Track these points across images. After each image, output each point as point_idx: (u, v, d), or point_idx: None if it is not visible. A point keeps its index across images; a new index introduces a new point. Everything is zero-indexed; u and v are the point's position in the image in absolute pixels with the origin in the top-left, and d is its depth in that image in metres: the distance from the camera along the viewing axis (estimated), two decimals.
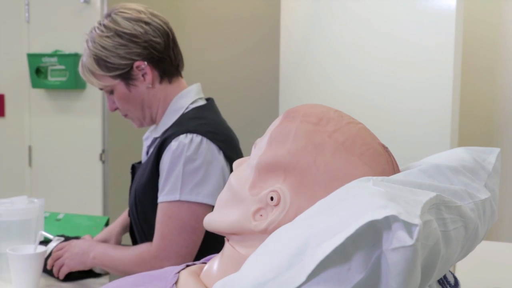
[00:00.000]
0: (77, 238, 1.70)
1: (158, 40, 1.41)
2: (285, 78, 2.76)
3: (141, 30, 1.39)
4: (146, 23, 1.40)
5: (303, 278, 0.50)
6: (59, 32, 2.86)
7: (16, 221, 1.43)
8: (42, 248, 1.34)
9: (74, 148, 2.90)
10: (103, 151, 2.89)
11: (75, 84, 2.77)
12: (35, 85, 2.85)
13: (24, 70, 2.88)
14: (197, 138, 1.35)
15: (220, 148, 1.38)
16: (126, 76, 1.41)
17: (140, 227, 1.45)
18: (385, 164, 0.68)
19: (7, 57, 2.92)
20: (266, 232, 0.65)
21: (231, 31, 3.55)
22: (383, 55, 2.37)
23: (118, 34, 1.38)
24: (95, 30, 1.41)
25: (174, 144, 1.35)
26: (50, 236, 1.39)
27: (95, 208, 2.87)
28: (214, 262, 0.72)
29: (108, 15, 1.42)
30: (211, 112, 1.48)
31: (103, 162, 2.90)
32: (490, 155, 0.76)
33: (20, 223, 1.43)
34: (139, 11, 1.42)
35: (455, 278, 0.74)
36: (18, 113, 2.96)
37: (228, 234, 0.70)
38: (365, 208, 0.52)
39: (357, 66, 2.46)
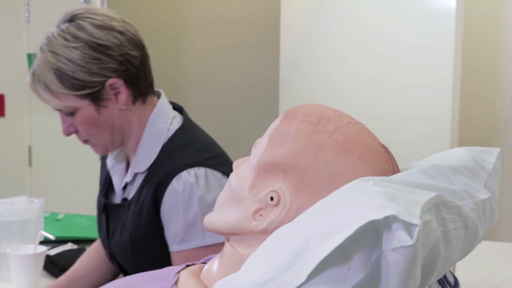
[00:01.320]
0: (75, 240, 1.70)
1: (135, 53, 1.19)
2: (285, 78, 2.76)
3: (116, 41, 1.16)
4: (121, 32, 1.17)
5: (303, 278, 0.50)
6: None
7: (16, 221, 1.42)
8: (42, 248, 1.34)
9: (74, 148, 2.89)
10: None
11: None
12: None
13: (24, 70, 2.88)
14: (200, 171, 1.17)
15: (224, 172, 1.22)
16: (96, 96, 1.17)
17: (137, 269, 1.25)
18: (385, 164, 0.68)
19: (7, 57, 2.92)
20: (266, 232, 0.65)
21: (231, 31, 3.55)
22: (382, 55, 2.37)
23: (90, 45, 1.14)
24: (56, 38, 1.16)
25: (178, 186, 1.17)
26: (50, 236, 1.39)
27: (95, 208, 2.87)
28: (214, 262, 0.72)
29: (70, 20, 1.18)
30: (195, 129, 1.29)
31: None
32: (490, 155, 0.76)
33: (20, 223, 1.43)
34: (111, 18, 1.19)
35: (455, 278, 0.74)
36: (18, 113, 2.96)
37: (228, 234, 0.70)
38: (365, 208, 0.52)
39: (357, 66, 2.46)
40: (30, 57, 2.81)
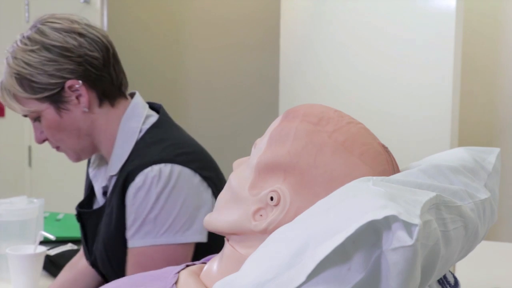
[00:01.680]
0: (75, 241, 1.69)
1: (95, 54, 1.17)
2: (285, 78, 2.76)
3: (75, 42, 1.16)
4: (81, 34, 1.17)
5: (303, 278, 0.50)
6: None
7: (16, 221, 1.42)
8: (42, 248, 1.34)
9: None
10: None
11: None
12: None
13: None
14: (166, 167, 1.13)
15: (195, 169, 1.17)
16: (56, 98, 1.17)
17: (116, 277, 1.20)
18: (385, 164, 0.68)
19: None
20: (266, 232, 0.65)
21: (231, 31, 3.55)
22: (382, 55, 2.37)
23: (46, 47, 1.14)
24: (17, 44, 1.18)
25: (139, 181, 1.14)
26: (50, 236, 1.39)
27: None
28: (214, 262, 0.72)
29: (34, 26, 1.19)
30: (170, 127, 1.26)
31: None
32: (490, 155, 0.76)
33: (19, 223, 1.43)
34: (72, 21, 1.19)
35: (455, 278, 0.74)
36: (18, 114, 2.96)
37: (228, 234, 0.70)
38: (365, 208, 0.52)
39: (357, 66, 2.46)
40: None
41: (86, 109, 1.19)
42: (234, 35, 3.56)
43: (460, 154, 0.74)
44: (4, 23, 2.90)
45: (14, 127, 2.96)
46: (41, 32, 1.16)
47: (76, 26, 1.18)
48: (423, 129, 2.28)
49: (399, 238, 0.50)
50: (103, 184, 1.27)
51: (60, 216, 1.89)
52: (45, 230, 1.41)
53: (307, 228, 0.54)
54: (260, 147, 0.71)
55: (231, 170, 0.74)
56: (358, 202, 0.54)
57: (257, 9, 3.51)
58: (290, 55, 2.74)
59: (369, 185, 0.57)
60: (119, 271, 1.22)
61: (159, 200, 1.13)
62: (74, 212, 2.06)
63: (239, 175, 0.71)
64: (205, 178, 1.18)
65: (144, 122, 1.23)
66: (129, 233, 1.17)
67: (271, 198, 0.66)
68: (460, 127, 2.36)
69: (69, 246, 1.65)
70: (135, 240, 1.16)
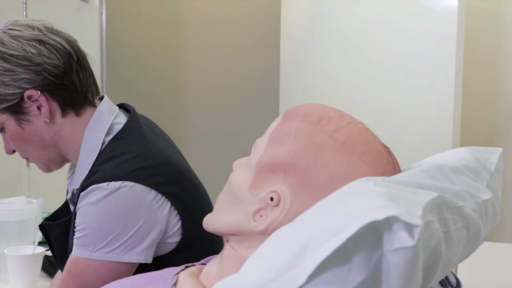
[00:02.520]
0: None
1: (55, 62, 1.12)
2: (285, 78, 2.76)
3: (33, 50, 1.11)
4: (41, 41, 1.12)
5: (303, 279, 0.50)
6: None
7: (14, 221, 1.42)
8: (40, 249, 1.34)
9: None
10: None
11: None
12: None
13: None
14: (116, 184, 1.07)
15: (151, 186, 1.10)
16: (16, 109, 1.13)
17: None
18: (386, 164, 0.68)
19: None
20: (266, 232, 0.65)
21: (231, 31, 3.55)
22: (383, 54, 2.37)
23: (3, 57, 1.11)
24: None
25: (84, 200, 1.10)
26: None
27: None
28: (213, 263, 0.72)
29: None
30: (134, 137, 1.17)
31: None
32: (493, 155, 0.76)
33: (18, 224, 1.42)
34: (33, 27, 1.14)
35: (457, 279, 0.73)
36: None
37: (227, 234, 0.70)
38: (366, 209, 0.51)
39: (357, 66, 2.46)
40: None
41: (48, 120, 1.14)
42: (234, 35, 3.56)
43: (462, 154, 0.73)
44: (2, 22, 2.90)
45: None
46: (0, 42, 1.12)
47: (37, 33, 1.13)
48: (425, 128, 2.28)
49: (400, 239, 0.49)
50: (68, 196, 1.25)
51: None
52: None
53: (307, 229, 0.54)
54: (260, 147, 0.70)
55: (231, 170, 0.74)
56: (359, 203, 0.53)
57: (257, 9, 3.51)
58: (290, 55, 2.74)
59: (370, 185, 0.57)
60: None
61: (101, 215, 1.08)
62: None
63: (239, 175, 0.71)
64: (164, 194, 1.11)
65: (107, 133, 1.17)
66: (74, 241, 1.13)
67: (271, 199, 0.66)
68: (462, 127, 2.35)
69: None
70: (75, 249, 1.11)
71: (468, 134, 2.59)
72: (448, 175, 0.68)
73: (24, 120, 1.15)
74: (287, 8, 2.75)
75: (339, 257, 0.51)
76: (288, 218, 0.64)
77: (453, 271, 0.76)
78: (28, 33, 1.13)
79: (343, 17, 2.50)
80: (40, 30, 1.14)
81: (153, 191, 1.09)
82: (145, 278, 0.75)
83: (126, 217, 1.07)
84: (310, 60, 2.63)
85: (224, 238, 0.72)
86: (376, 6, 2.40)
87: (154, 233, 1.10)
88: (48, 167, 1.24)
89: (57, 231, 1.24)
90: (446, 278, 0.72)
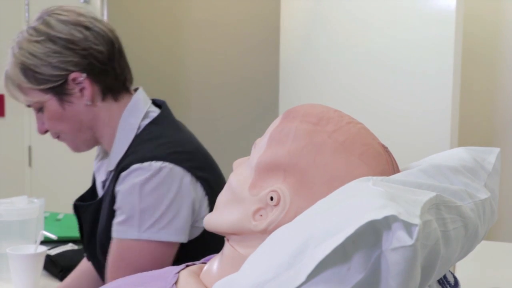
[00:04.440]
0: (75, 241, 1.69)
1: (100, 48, 1.18)
2: (285, 78, 2.76)
3: (80, 35, 1.16)
4: (87, 27, 1.17)
5: (303, 278, 0.50)
6: None
7: (16, 221, 1.42)
8: (42, 248, 1.34)
9: None
10: None
11: None
12: None
13: None
14: (156, 164, 1.13)
15: (187, 169, 1.15)
16: (60, 90, 1.17)
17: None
18: (385, 164, 0.68)
19: (7, 57, 2.92)
20: (266, 232, 0.65)
21: (231, 32, 3.55)
22: (382, 54, 2.37)
23: (51, 39, 1.15)
24: (23, 34, 1.19)
25: (127, 178, 1.14)
26: (52, 236, 1.39)
27: None
28: (214, 262, 0.72)
29: (40, 17, 1.20)
30: (169, 125, 1.25)
31: None
32: (490, 155, 0.76)
33: (20, 223, 1.42)
34: (79, 14, 1.19)
35: (455, 278, 0.74)
36: (18, 113, 2.96)
37: (228, 234, 0.70)
38: (365, 208, 0.51)
39: (357, 66, 2.46)
40: None
41: (89, 102, 1.19)
42: (234, 35, 3.55)
43: (460, 154, 0.74)
44: (4, 23, 2.90)
45: (14, 127, 2.95)
46: (47, 24, 1.17)
47: (82, 19, 1.18)
48: (423, 129, 2.28)
49: (399, 238, 0.50)
50: (103, 178, 1.28)
51: (60, 216, 1.89)
52: (46, 230, 1.41)
53: (307, 228, 0.54)
54: (260, 147, 0.71)
55: (231, 170, 0.74)
56: (358, 202, 0.54)
57: (257, 9, 3.51)
58: (290, 55, 2.74)
59: (369, 185, 0.57)
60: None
61: (146, 195, 1.12)
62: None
63: (239, 175, 0.71)
64: (198, 178, 1.16)
65: (143, 118, 1.22)
66: (114, 224, 1.16)
67: (271, 198, 0.66)
68: (460, 127, 2.36)
69: (70, 246, 1.65)
70: (118, 232, 1.14)
71: (466, 134, 2.59)
72: (447, 175, 0.68)
73: (66, 101, 1.19)
74: (287, 8, 2.75)
75: (338, 256, 0.51)
76: (288, 218, 0.64)
77: (451, 270, 0.77)
78: (74, 18, 1.17)
79: (342, 18, 2.51)
80: (85, 17, 1.19)
81: (189, 174, 1.15)
82: (146, 277, 0.75)
83: (169, 198, 1.12)
84: (310, 60, 2.63)
85: (224, 237, 0.72)
86: (375, 7, 2.40)
87: (191, 214, 1.15)
88: (78, 148, 1.28)
89: (88, 212, 1.27)
90: (444, 277, 0.72)
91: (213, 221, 0.72)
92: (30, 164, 2.94)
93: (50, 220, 1.83)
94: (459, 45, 2.20)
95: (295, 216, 0.62)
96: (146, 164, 1.12)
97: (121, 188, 1.14)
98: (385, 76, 2.38)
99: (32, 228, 1.45)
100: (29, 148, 2.93)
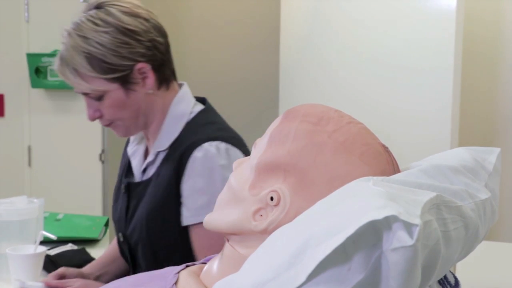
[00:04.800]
0: (75, 241, 1.69)
1: (160, 40, 1.25)
2: (285, 78, 2.76)
3: (143, 27, 1.22)
4: (146, 19, 1.23)
5: (303, 278, 0.50)
6: (59, 32, 2.85)
7: (16, 221, 1.42)
8: (42, 248, 1.34)
9: (73, 148, 2.90)
10: (103, 151, 2.89)
11: None
12: (34, 85, 2.85)
13: (23, 70, 2.88)
14: (221, 145, 1.20)
15: (244, 153, 1.25)
16: (126, 79, 1.22)
17: (150, 249, 1.27)
18: (386, 164, 0.68)
19: (6, 57, 2.92)
20: (266, 232, 0.65)
21: (231, 31, 3.55)
22: (382, 54, 2.37)
23: (120, 30, 1.19)
24: (85, 23, 1.20)
25: (199, 155, 1.19)
26: (51, 236, 1.39)
27: (95, 208, 2.87)
28: (214, 262, 0.72)
29: (99, 7, 1.22)
30: (216, 115, 1.35)
31: (103, 162, 2.90)
32: (491, 155, 0.76)
33: (19, 223, 1.42)
34: (136, 5, 1.24)
35: (456, 278, 0.73)
36: (17, 113, 2.96)
37: (228, 234, 0.70)
38: (365, 208, 0.51)
39: (357, 66, 2.46)
40: (30, 57, 2.81)
41: (151, 91, 1.25)
42: (234, 35, 3.55)
43: (461, 154, 0.74)
44: (4, 23, 2.90)
45: (14, 127, 2.95)
46: (111, 14, 1.20)
47: (140, 10, 1.24)
48: (424, 128, 2.28)
49: (400, 238, 0.50)
50: (151, 159, 1.30)
51: (59, 216, 1.89)
52: (45, 230, 1.41)
53: (307, 228, 0.54)
54: (260, 147, 0.71)
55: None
56: (358, 202, 0.53)
57: (257, 9, 3.51)
58: (290, 55, 2.73)
59: (369, 185, 0.57)
60: (156, 246, 1.25)
61: (225, 174, 1.17)
62: (73, 212, 2.05)
63: (239, 175, 0.71)
64: None
65: (193, 107, 1.31)
66: (194, 209, 1.19)
67: (271, 198, 0.66)
68: (461, 127, 2.35)
69: (69, 246, 1.65)
70: (196, 215, 1.19)
71: (467, 134, 2.59)
72: (447, 175, 0.68)
73: (131, 90, 1.24)
74: (287, 8, 2.75)
75: (339, 256, 0.51)
76: (288, 218, 0.64)
77: (452, 270, 0.77)
78: (135, 10, 1.23)
79: (342, 17, 2.50)
80: (142, 9, 1.25)
81: (244, 156, 1.23)
82: (146, 277, 0.75)
83: None
84: (310, 60, 2.63)
85: (224, 237, 0.72)
86: (375, 7, 2.40)
87: None
88: (129, 133, 1.33)
89: (136, 190, 1.31)
90: (445, 277, 0.72)
91: (213, 221, 0.72)
92: (29, 164, 2.94)
93: (50, 220, 1.83)
94: (459, 45, 2.20)
95: (295, 216, 0.62)
96: (213, 144, 1.20)
97: (193, 166, 1.20)
98: (385, 76, 2.38)
99: (31, 228, 1.45)
100: (29, 148, 2.93)
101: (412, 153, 1.95)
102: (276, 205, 0.66)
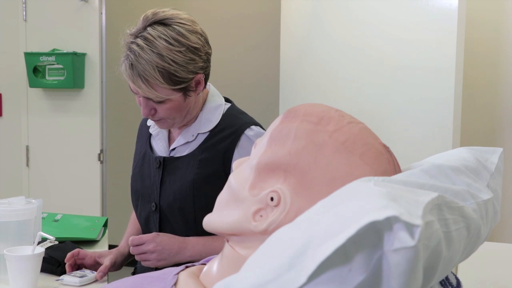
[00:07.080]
0: (74, 241, 1.69)
1: (209, 51, 1.45)
2: (285, 77, 2.76)
3: (201, 42, 1.40)
4: (201, 34, 1.42)
5: (303, 279, 0.50)
6: (56, 31, 2.85)
7: (14, 222, 1.42)
8: (40, 249, 1.34)
9: (72, 148, 2.90)
10: (101, 151, 2.89)
11: (73, 83, 2.76)
12: (32, 84, 2.84)
13: (21, 69, 2.87)
14: (261, 130, 1.47)
15: None
16: (187, 88, 1.41)
17: (192, 215, 1.44)
18: (387, 164, 0.67)
19: (4, 56, 2.92)
20: (266, 232, 0.65)
21: (231, 32, 3.55)
22: (384, 54, 2.37)
23: (190, 50, 1.37)
24: (158, 40, 1.35)
25: (251, 133, 1.44)
26: (49, 237, 1.38)
27: (94, 209, 2.87)
28: (213, 263, 0.71)
29: (165, 24, 1.38)
30: (240, 109, 1.57)
31: (102, 162, 2.90)
32: (493, 155, 0.76)
33: (17, 224, 1.42)
34: (193, 22, 1.42)
35: (457, 279, 0.73)
36: (15, 113, 2.96)
37: (227, 234, 0.70)
38: (366, 209, 0.51)
39: (358, 66, 2.46)
40: (28, 56, 2.80)
41: (200, 94, 1.47)
42: (234, 35, 3.55)
43: (462, 154, 0.73)
44: (2, 22, 2.90)
45: (12, 126, 2.95)
46: (182, 35, 1.37)
47: (196, 27, 1.41)
48: (425, 128, 2.28)
49: (401, 239, 0.49)
50: (190, 139, 1.48)
51: (58, 217, 1.88)
52: (43, 231, 1.40)
53: (307, 229, 0.54)
54: (260, 147, 0.70)
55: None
56: (359, 203, 0.53)
57: (257, 9, 3.51)
58: (290, 55, 2.73)
59: (370, 185, 0.57)
60: (199, 210, 1.43)
61: None
62: (72, 212, 2.05)
63: (239, 175, 0.71)
64: None
65: (223, 101, 1.53)
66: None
67: (271, 199, 0.65)
68: (463, 127, 2.36)
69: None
70: None
71: (469, 134, 2.59)
72: (449, 175, 0.67)
73: (188, 96, 1.42)
74: (287, 8, 2.75)
75: (339, 257, 0.50)
76: (288, 218, 0.64)
77: (454, 271, 0.76)
78: (194, 27, 1.41)
79: (343, 17, 2.50)
80: (196, 24, 1.43)
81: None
82: (145, 278, 0.75)
83: None
84: (310, 60, 2.63)
85: (224, 238, 0.72)
86: (376, 7, 2.40)
87: None
88: (173, 126, 1.50)
89: (173, 165, 1.49)
90: (447, 278, 0.71)
91: (213, 221, 0.71)
92: (27, 164, 2.93)
93: (48, 221, 1.83)
94: (461, 45, 2.19)
95: (295, 216, 0.62)
96: (258, 127, 1.48)
97: (244, 145, 1.44)
98: (386, 76, 2.37)
99: (29, 229, 1.44)
100: (27, 148, 2.92)
101: (413, 153, 1.95)
102: (276, 206, 0.65)
